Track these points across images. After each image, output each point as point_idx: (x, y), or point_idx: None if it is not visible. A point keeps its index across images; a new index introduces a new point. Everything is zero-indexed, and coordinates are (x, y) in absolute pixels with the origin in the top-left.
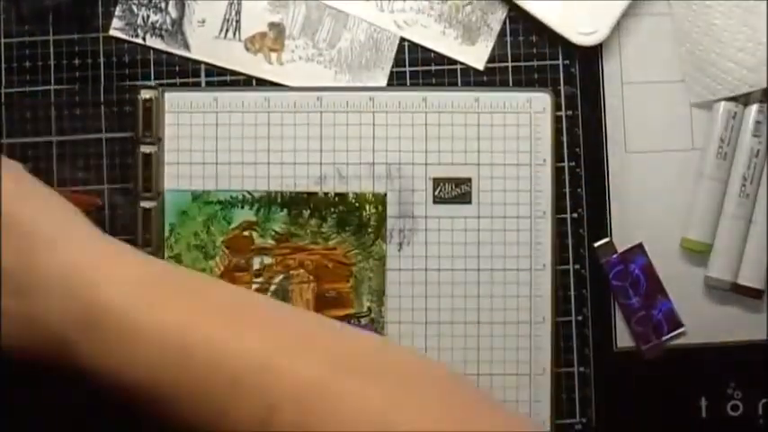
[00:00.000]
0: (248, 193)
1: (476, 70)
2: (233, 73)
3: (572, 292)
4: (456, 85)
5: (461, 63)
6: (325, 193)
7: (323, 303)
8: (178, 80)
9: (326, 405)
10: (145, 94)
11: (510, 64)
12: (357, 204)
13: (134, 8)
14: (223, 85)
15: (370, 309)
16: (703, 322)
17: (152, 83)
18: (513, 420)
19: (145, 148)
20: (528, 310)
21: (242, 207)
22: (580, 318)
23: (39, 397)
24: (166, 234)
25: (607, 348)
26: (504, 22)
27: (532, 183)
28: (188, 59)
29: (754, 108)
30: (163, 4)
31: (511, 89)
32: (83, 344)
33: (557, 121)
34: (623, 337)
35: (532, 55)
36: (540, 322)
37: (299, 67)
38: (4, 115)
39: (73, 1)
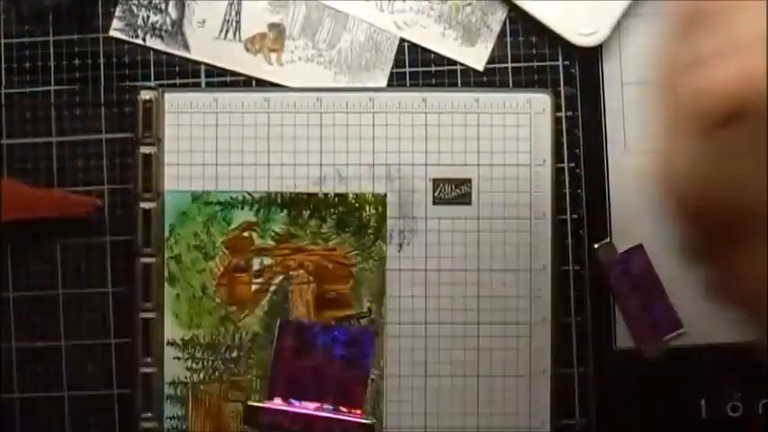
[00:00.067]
0: (248, 193)
1: (476, 71)
2: (233, 73)
3: (572, 293)
4: (456, 85)
5: (461, 64)
6: (325, 194)
7: (323, 304)
8: (178, 81)
9: None
10: (145, 95)
11: (510, 65)
12: (357, 205)
13: (134, 9)
14: (223, 85)
15: (370, 309)
16: (703, 323)
17: (152, 83)
18: None
19: (145, 149)
20: (528, 311)
21: (242, 208)
22: (580, 318)
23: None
24: (166, 235)
25: (607, 348)
26: (504, 23)
27: (532, 183)
28: (188, 60)
29: None
30: (163, 5)
31: (511, 90)
32: None
33: (556, 121)
34: (623, 338)
35: (532, 56)
36: (540, 322)
37: (299, 68)
38: (4, 115)
39: (73, 1)
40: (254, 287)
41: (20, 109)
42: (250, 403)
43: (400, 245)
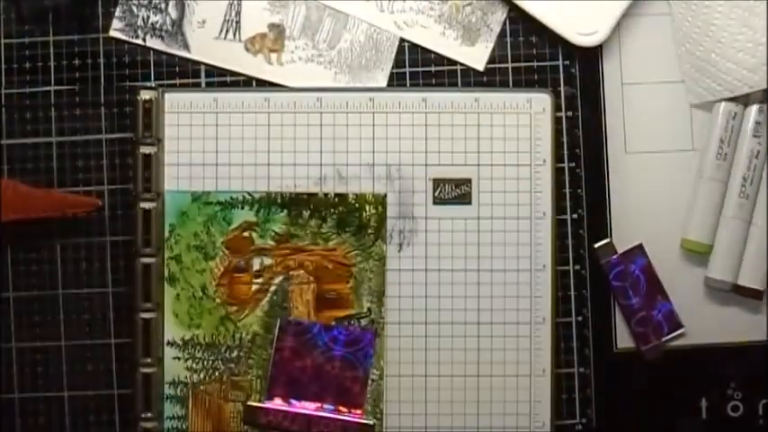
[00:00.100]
0: (248, 193)
1: (476, 71)
2: (233, 73)
3: (572, 293)
4: (456, 85)
5: (461, 64)
6: (325, 194)
7: (323, 304)
8: (178, 81)
9: None
10: (145, 95)
11: (510, 65)
12: (357, 205)
13: (134, 9)
14: (223, 85)
15: (370, 309)
16: (703, 323)
17: (152, 83)
18: None
19: (145, 149)
20: (528, 311)
21: (242, 208)
22: (580, 318)
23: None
24: (166, 235)
25: (607, 349)
26: (504, 23)
27: (532, 183)
28: (188, 60)
29: (754, 108)
30: (163, 5)
31: (511, 90)
32: None
33: (557, 121)
34: (623, 338)
35: (532, 55)
36: (540, 322)
37: (299, 68)
38: (4, 116)
39: (73, 1)
40: (254, 287)
41: (20, 109)
42: (250, 403)
43: (400, 245)
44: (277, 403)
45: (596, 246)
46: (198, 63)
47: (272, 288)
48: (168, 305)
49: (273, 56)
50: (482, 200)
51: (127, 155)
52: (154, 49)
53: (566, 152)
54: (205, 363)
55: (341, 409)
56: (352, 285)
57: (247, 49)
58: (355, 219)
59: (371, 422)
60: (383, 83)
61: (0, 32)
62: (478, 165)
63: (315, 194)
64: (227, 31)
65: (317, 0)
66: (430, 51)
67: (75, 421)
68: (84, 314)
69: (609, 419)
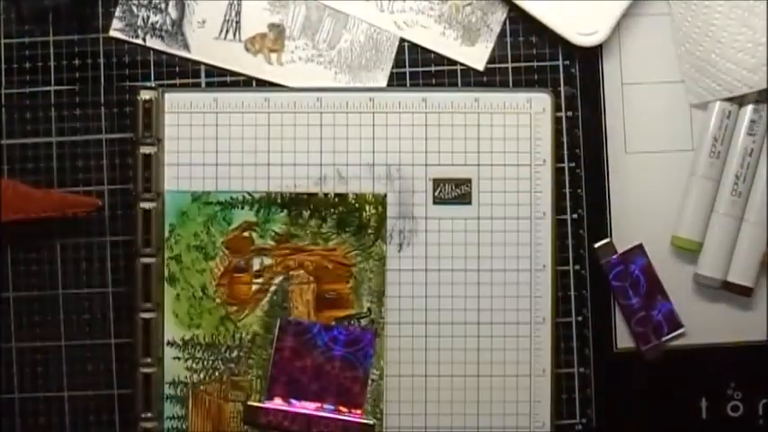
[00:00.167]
0: (248, 193)
1: (476, 71)
2: (233, 73)
3: (572, 293)
4: (456, 85)
5: (461, 64)
6: (325, 194)
7: (323, 304)
8: (178, 81)
9: None
10: (145, 95)
11: (510, 64)
12: (357, 205)
13: (134, 9)
14: (223, 85)
15: (370, 309)
16: (703, 322)
17: (152, 83)
18: None
19: (145, 149)
20: (528, 311)
21: (242, 208)
22: (580, 318)
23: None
24: (166, 235)
25: (607, 349)
26: (504, 23)
27: (532, 183)
28: (188, 60)
29: (749, 107)
30: (163, 5)
31: (511, 89)
32: None
33: (557, 121)
34: (623, 338)
35: (532, 55)
36: (540, 322)
37: (299, 68)
38: (4, 116)
39: (73, 1)
40: (254, 287)
41: (20, 109)
42: (250, 403)
43: (400, 245)
44: (277, 403)
45: (596, 246)
46: (198, 63)
47: (272, 288)
48: (168, 305)
49: (273, 56)
50: (482, 200)
51: (127, 155)
52: (154, 49)
53: (566, 152)
54: (205, 363)
55: (341, 409)
56: (352, 285)
57: (247, 49)
58: (355, 219)
59: (371, 422)
60: (383, 83)
61: (0, 32)
62: (478, 165)
63: (315, 194)
64: (227, 31)
65: (316, 0)
66: (430, 51)
67: (75, 421)
68: (84, 314)
69: (609, 419)
